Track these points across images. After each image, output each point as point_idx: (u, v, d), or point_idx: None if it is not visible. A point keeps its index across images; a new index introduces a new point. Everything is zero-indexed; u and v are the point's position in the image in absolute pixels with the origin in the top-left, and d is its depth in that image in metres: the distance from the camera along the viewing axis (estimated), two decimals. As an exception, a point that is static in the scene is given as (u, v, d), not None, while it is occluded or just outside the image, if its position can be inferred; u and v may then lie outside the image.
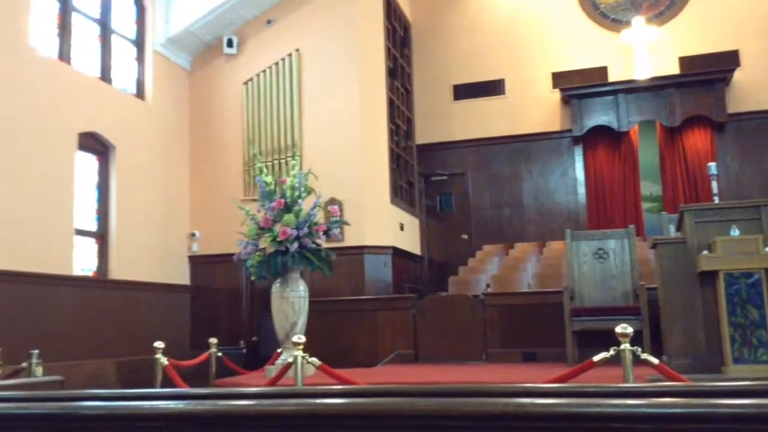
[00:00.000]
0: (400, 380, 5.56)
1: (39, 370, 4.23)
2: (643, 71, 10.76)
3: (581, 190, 11.07)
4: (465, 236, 11.22)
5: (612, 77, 11.04)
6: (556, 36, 11.37)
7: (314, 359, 4.44)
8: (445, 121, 11.57)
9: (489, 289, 8.12)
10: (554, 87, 11.23)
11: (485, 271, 9.11)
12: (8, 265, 6.75)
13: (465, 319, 7.55)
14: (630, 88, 10.82)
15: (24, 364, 4.28)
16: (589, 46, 11.21)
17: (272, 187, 6.30)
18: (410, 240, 10.52)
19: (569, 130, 11.08)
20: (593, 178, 11.05)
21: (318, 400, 1.65)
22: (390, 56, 10.27)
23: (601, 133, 10.98)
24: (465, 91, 11.56)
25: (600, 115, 10.94)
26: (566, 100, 11.10)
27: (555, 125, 11.23)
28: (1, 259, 6.67)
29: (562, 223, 10.52)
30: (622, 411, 1.46)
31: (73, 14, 8.26)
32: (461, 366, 6.98)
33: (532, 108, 11.32)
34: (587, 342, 6.39)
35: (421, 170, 11.37)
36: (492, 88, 11.47)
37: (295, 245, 5.97)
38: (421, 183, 11.43)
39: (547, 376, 4.48)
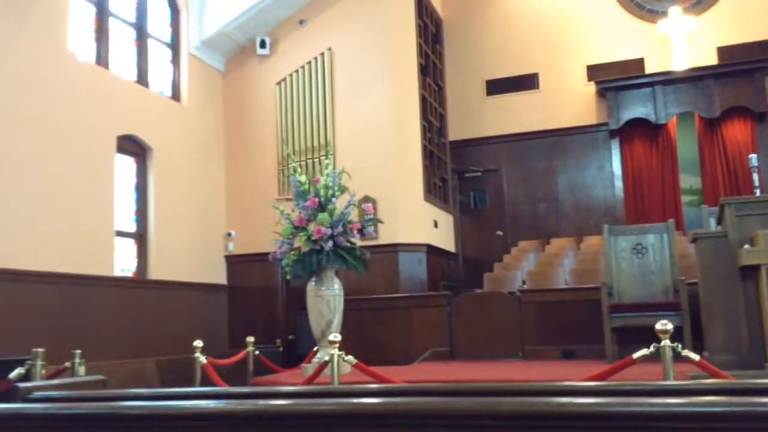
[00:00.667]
0: (436, 378, 5.55)
1: (82, 370, 4.33)
2: (680, 62, 10.55)
3: (618, 184, 10.90)
4: (500, 232, 11.14)
5: (649, 69, 10.84)
6: (590, 28, 11.21)
7: (350, 357, 4.46)
8: (478, 117, 11.50)
9: (525, 286, 8.06)
10: (589, 80, 11.07)
11: (521, 267, 9.04)
12: (52, 267, 6.92)
13: (501, 316, 7.50)
14: (667, 80, 10.61)
15: (67, 364, 4.37)
16: (625, 38, 11.03)
17: (306, 186, 6.34)
18: (444, 237, 10.49)
19: (605, 124, 10.92)
20: (630, 172, 10.87)
21: (355, 400, 1.66)
22: (422, 53, 10.25)
23: (638, 125, 10.79)
24: (498, 86, 11.47)
25: (637, 108, 10.76)
26: (602, 93, 10.94)
27: (590, 119, 11.07)
28: (45, 260, 6.84)
29: (599, 218, 10.37)
30: (662, 410, 1.44)
31: (110, 19, 8.42)
32: (498, 363, 6.93)
33: (567, 102, 11.18)
34: (626, 339, 6.29)
35: (454, 167, 11.32)
36: (525, 82, 11.36)
37: (330, 244, 5.99)
38: (455, 179, 11.38)
39: (585, 373, 4.43)
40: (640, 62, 10.92)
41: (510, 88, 11.41)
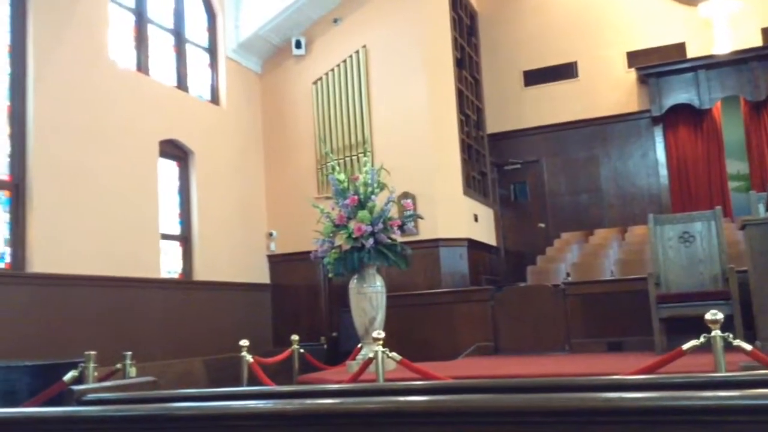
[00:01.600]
0: (481, 374, 5.53)
1: (133, 371, 4.43)
2: (723, 45, 10.27)
3: (663, 171, 10.67)
4: (542, 225, 11.03)
5: (691, 53, 10.58)
6: (629, 13, 10.99)
7: (394, 354, 4.47)
8: (517, 109, 11.38)
9: (569, 278, 7.96)
10: (629, 67, 10.86)
11: (564, 259, 8.93)
12: (101, 271, 7.10)
13: (546, 309, 7.43)
14: (710, 64, 10.34)
15: (118, 366, 4.49)
16: (665, 22, 10.78)
17: (345, 184, 6.37)
18: (485, 231, 10.42)
19: (647, 111, 10.70)
20: (675, 159, 10.64)
21: (402, 398, 1.67)
22: (457, 46, 10.19)
23: (682, 111, 10.55)
24: (536, 77, 11.34)
25: (680, 93, 10.51)
26: (643, 80, 10.72)
27: (632, 106, 10.87)
28: (94, 265, 7.02)
29: (644, 207, 10.17)
30: (714, 403, 1.41)
31: (149, 26, 8.57)
32: (543, 357, 6.87)
33: (607, 90, 10.99)
34: (675, 329, 6.16)
35: (493, 160, 11.23)
36: (564, 71, 11.20)
37: (371, 241, 6.01)
38: (494, 172, 11.30)
39: (634, 366, 4.36)
40: (681, 47, 10.66)
41: (548, 78, 11.26)
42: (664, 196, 10.60)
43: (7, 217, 6.51)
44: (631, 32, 10.94)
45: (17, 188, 6.58)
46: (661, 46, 10.74)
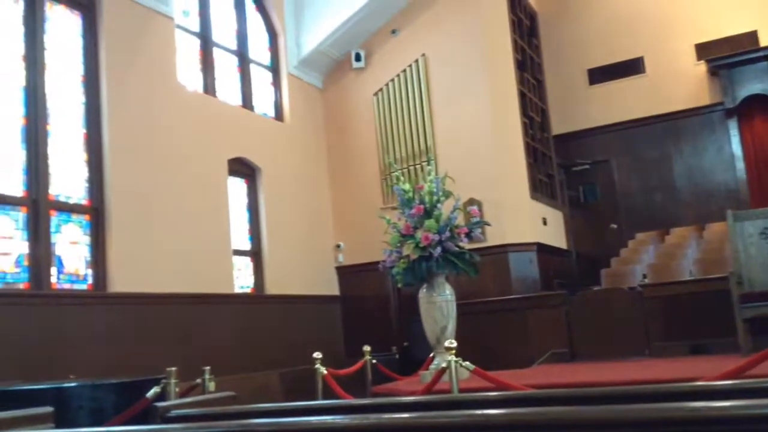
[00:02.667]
0: (557, 381, 5.40)
1: (212, 386, 4.53)
2: (800, 30, 9.79)
3: (740, 165, 10.23)
4: (614, 225, 10.73)
5: (763, 41, 10.12)
6: (696, 4, 10.62)
7: (468, 363, 4.41)
8: (582, 108, 11.14)
9: (646, 280, 7.71)
10: (699, 59, 10.48)
11: (640, 261, 8.66)
12: (177, 288, 7.31)
13: (623, 313, 7.21)
14: (786, 51, 9.88)
15: (198, 381, 4.59)
16: (735, 11, 10.36)
17: (410, 194, 6.36)
18: (555, 234, 10.22)
19: (720, 103, 10.29)
20: (753, 152, 10.18)
21: (479, 411, 1.64)
22: (518, 48, 10.07)
23: (757, 102, 10.10)
24: (601, 74, 11.08)
25: (754, 84, 10.07)
26: (714, 72, 10.32)
27: (703, 99, 10.47)
28: (171, 283, 7.25)
29: (722, 204, 9.76)
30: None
31: (214, 49, 8.83)
32: (623, 362, 6.66)
33: (677, 84, 10.63)
34: (761, 329, 5.89)
35: (560, 161, 11.02)
36: (630, 67, 10.90)
37: (439, 250, 5.98)
38: (562, 174, 11.08)
39: (718, 369, 4.16)
40: (753, 35, 10.22)
41: (614, 75, 10.98)
42: (742, 191, 10.16)
43: (87, 240, 6.80)
44: (700, 23, 10.56)
45: (96, 212, 6.87)
46: (731, 36, 10.32)
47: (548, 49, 11.37)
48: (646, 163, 10.72)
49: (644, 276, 7.95)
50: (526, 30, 10.73)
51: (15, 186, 6.22)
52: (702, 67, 10.46)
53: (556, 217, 10.48)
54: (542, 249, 9.37)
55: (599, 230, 10.88)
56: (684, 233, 9.58)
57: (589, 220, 11.08)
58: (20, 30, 6.49)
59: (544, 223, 9.83)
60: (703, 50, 10.46)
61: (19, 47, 6.45)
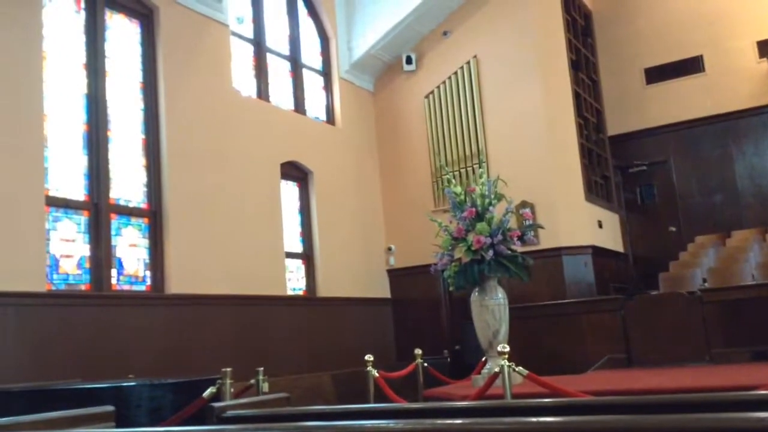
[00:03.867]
0: (614, 388, 5.27)
1: (265, 386, 4.59)
2: None
3: (805, 165, 9.82)
4: (672, 228, 10.43)
5: (830, 37, 9.71)
6: (758, 0, 10.24)
7: (521, 368, 4.35)
8: (639, 108, 10.87)
9: (706, 284, 7.46)
10: (761, 56, 10.09)
11: (700, 264, 8.39)
12: (232, 290, 7.44)
13: (682, 318, 6.99)
14: None
15: (252, 381, 4.66)
16: (801, 5, 9.96)
17: (462, 197, 6.30)
18: (611, 237, 10.00)
19: (784, 102, 9.89)
20: (820, 152, 9.75)
21: (534, 419, 1.61)
22: (572, 48, 9.90)
23: (824, 99, 9.68)
24: (658, 74, 10.78)
25: (821, 80, 9.65)
26: (778, 69, 9.94)
27: (766, 98, 10.09)
28: (225, 284, 7.38)
29: (787, 206, 9.38)
30: None
31: (267, 55, 8.96)
32: (682, 369, 6.46)
33: (737, 82, 10.27)
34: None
35: (616, 163, 10.78)
36: (689, 66, 10.58)
37: (491, 253, 5.91)
38: (618, 176, 10.83)
39: (786, 379, 3.99)
40: (819, 31, 9.80)
41: (672, 74, 10.67)
42: (809, 191, 9.74)
43: (146, 242, 6.98)
44: (761, 20, 10.17)
45: (154, 215, 7.05)
46: (795, 32, 9.92)
47: (604, 49, 11.14)
48: (705, 164, 10.39)
49: (704, 280, 7.69)
50: (580, 29, 10.54)
51: (77, 191, 6.43)
52: (764, 65, 10.08)
53: (612, 220, 10.25)
54: (598, 252, 9.18)
55: (657, 233, 10.58)
56: (746, 236, 9.24)
57: (646, 223, 10.79)
58: (82, 39, 6.72)
59: (600, 225, 9.63)
60: (765, 48, 10.08)
61: (81, 56, 6.68)
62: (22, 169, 5.78)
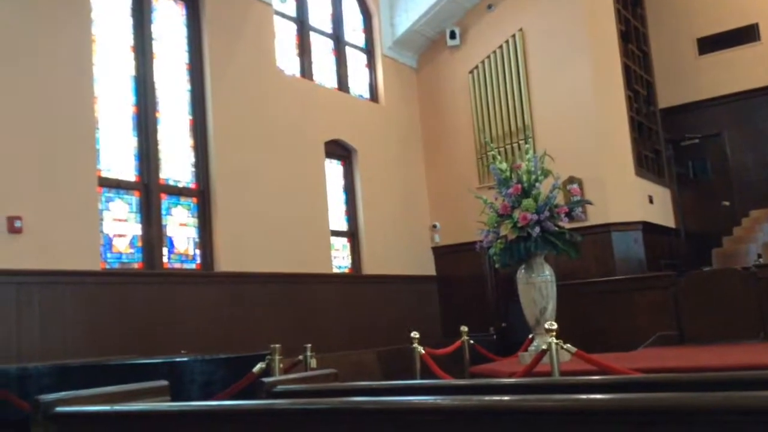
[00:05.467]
0: (665, 365, 5.19)
1: (313, 362, 4.66)
2: None
3: None
4: (726, 203, 10.12)
5: None
6: (819, -38, 9.77)
7: (569, 346, 4.31)
8: (691, 80, 10.52)
9: (761, 260, 7.25)
10: (822, 22, 9.65)
11: (755, 239, 8.15)
12: (279, 268, 7.55)
13: (735, 294, 6.82)
14: None
15: (300, 357, 4.73)
16: None
17: (508, 173, 6.23)
18: (662, 212, 9.77)
19: None
20: None
21: (584, 396, 1.59)
22: (621, 19, 9.62)
23: None
24: (711, 44, 10.40)
25: None
26: (840, 35, 9.48)
27: (826, 66, 9.65)
28: (273, 262, 7.49)
29: None
30: None
31: (310, 33, 8.96)
32: (735, 346, 6.31)
33: (796, 50, 9.84)
34: None
35: (667, 136, 10.49)
36: (743, 35, 10.16)
37: (537, 230, 5.84)
38: (669, 150, 10.54)
39: None
40: None
41: (726, 44, 10.28)
42: None
43: (195, 221, 7.12)
44: (824, -18, 9.71)
45: (203, 195, 7.17)
46: None
47: (654, 19, 10.79)
48: (761, 136, 10.02)
49: (759, 256, 7.47)
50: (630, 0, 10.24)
51: (128, 171, 6.58)
52: (826, 31, 9.63)
53: (663, 195, 10.01)
54: (648, 228, 8.99)
55: (710, 208, 10.29)
56: (804, 210, 8.92)
57: (699, 198, 10.50)
58: (129, 22, 6.82)
59: (650, 201, 9.41)
60: (827, 13, 9.63)
61: (129, 38, 6.79)
62: (75, 151, 5.94)
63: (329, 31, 9.37)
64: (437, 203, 10.21)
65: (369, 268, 9.01)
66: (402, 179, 9.87)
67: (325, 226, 8.46)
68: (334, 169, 8.98)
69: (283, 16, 8.58)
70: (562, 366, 4.40)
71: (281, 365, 4.09)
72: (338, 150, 9.01)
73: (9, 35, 5.62)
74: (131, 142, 6.66)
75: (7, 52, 5.59)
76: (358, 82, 9.73)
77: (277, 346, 4.10)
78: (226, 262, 7.08)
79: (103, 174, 6.30)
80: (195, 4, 7.40)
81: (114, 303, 5.98)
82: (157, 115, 6.90)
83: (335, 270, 8.62)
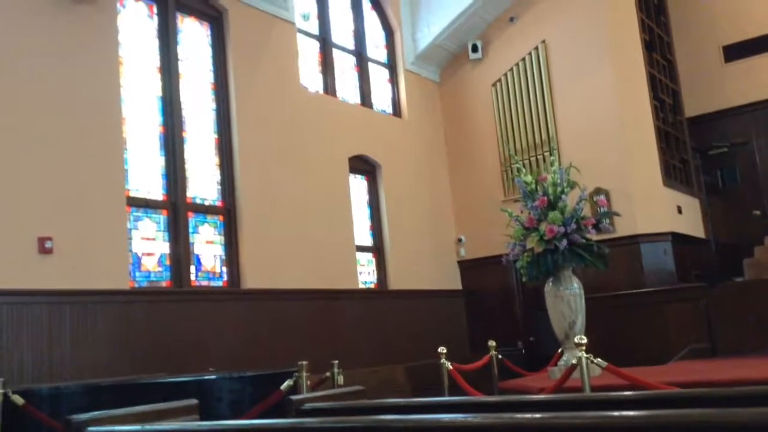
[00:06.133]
0: (697, 379, 5.08)
1: (341, 379, 4.64)
2: None
3: None
4: (757, 212, 9.94)
5: None
6: None
7: (600, 360, 4.24)
8: (718, 88, 10.38)
9: (795, 270, 7.09)
10: None
11: (788, 249, 7.98)
12: (304, 284, 7.57)
13: (769, 305, 6.67)
14: None
15: (327, 374, 4.72)
16: None
17: (533, 186, 6.18)
18: (691, 223, 9.63)
19: None
20: None
21: (617, 413, 1.56)
22: (645, 28, 9.55)
23: None
24: (738, 51, 10.26)
25: None
26: None
27: None
28: (298, 278, 7.51)
29: None
30: None
31: (333, 50, 9.03)
32: (770, 359, 6.16)
33: (826, 56, 9.67)
34: None
35: (694, 145, 10.35)
36: (770, 41, 10.03)
37: (564, 242, 5.78)
38: (697, 159, 10.40)
39: None
40: None
41: (753, 51, 10.13)
42: None
43: (221, 239, 7.17)
44: None
45: (228, 213, 7.23)
46: None
47: (678, 28, 10.69)
48: (792, 144, 9.84)
49: (794, 266, 7.31)
50: (653, 8, 10.15)
51: (156, 190, 6.66)
52: None
53: (692, 205, 9.86)
54: (677, 239, 8.85)
55: (740, 217, 10.11)
56: (840, 218, 8.72)
57: (728, 207, 10.32)
58: (155, 43, 6.94)
59: (679, 211, 9.28)
60: None
61: (155, 59, 6.90)
62: (104, 171, 6.04)
63: (351, 47, 9.44)
64: (462, 217, 10.18)
65: (395, 282, 8.99)
66: (426, 193, 9.86)
67: (351, 242, 8.47)
68: (358, 185, 9.00)
69: (306, 34, 8.66)
70: (592, 381, 4.33)
71: (308, 382, 4.08)
72: (362, 165, 9.04)
73: (40, 59, 5.75)
74: (158, 162, 6.74)
75: (37, 75, 5.71)
76: (381, 98, 9.77)
77: (304, 363, 4.09)
78: (252, 278, 7.12)
79: (132, 193, 6.38)
80: (219, 24, 7.51)
81: (143, 321, 6.03)
82: (184, 134, 6.99)
83: (361, 285, 8.61)
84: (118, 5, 6.54)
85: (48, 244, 5.51)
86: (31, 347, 5.27)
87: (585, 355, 4.24)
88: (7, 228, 5.31)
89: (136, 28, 6.78)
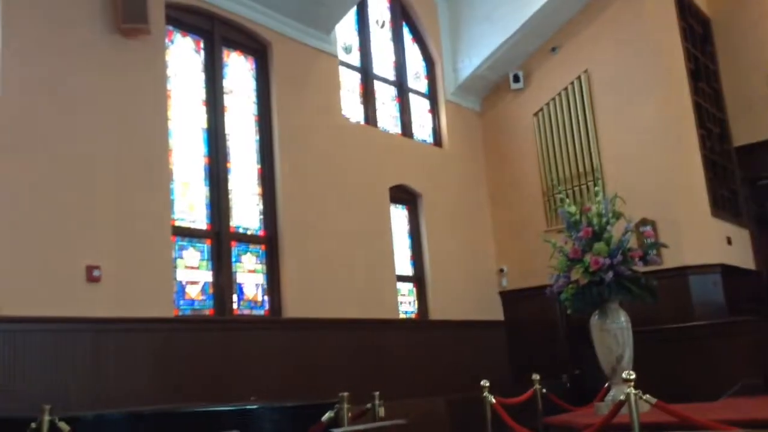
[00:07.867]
0: (751, 416, 4.88)
1: (381, 411, 4.59)
2: None
3: None
4: (811, 243, 9.62)
5: None
6: None
7: (648, 396, 4.11)
8: (766, 116, 10.14)
9: None
10: None
11: None
12: (346, 314, 7.56)
13: (827, 341, 6.40)
14: None
15: (368, 406, 4.67)
16: None
17: (577, 216, 6.10)
18: (741, 254, 9.36)
19: None
20: None
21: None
22: (690, 57, 9.43)
23: None
24: (787, 78, 10.04)
25: None
26: None
27: None
28: (340, 308, 7.51)
29: None
30: None
31: (374, 81, 9.13)
32: (830, 398, 5.89)
33: None
34: None
35: (743, 175, 10.10)
36: (822, 66, 9.79)
37: (610, 274, 5.66)
38: (746, 189, 10.14)
39: None
40: None
41: (802, 78, 9.91)
42: None
43: (263, 268, 7.22)
44: None
45: (270, 242, 7.29)
46: None
47: (725, 56, 10.51)
48: None
49: None
50: (698, 37, 10.03)
51: (200, 220, 6.77)
52: None
53: (741, 236, 9.59)
54: (727, 271, 8.60)
55: (793, 248, 9.79)
56: None
57: (779, 238, 10.01)
58: (202, 77, 7.11)
59: (729, 242, 9.03)
60: None
61: (201, 93, 7.06)
62: (151, 201, 6.16)
63: (392, 78, 9.52)
64: (504, 247, 10.08)
65: (435, 313, 8.91)
66: (467, 223, 9.80)
67: (391, 271, 8.45)
68: (399, 214, 9.01)
69: (348, 66, 8.78)
70: (641, 417, 4.20)
71: (349, 414, 4.04)
72: (403, 195, 9.05)
73: (93, 94, 5.93)
74: (203, 192, 6.86)
75: (89, 109, 5.88)
76: (422, 128, 9.81)
77: (346, 394, 4.06)
78: (293, 308, 7.14)
79: (177, 223, 6.49)
80: (264, 58, 7.66)
81: (186, 349, 6.08)
82: (228, 165, 7.10)
83: (402, 315, 8.56)
84: (167, 40, 6.73)
85: (96, 273, 5.62)
86: (76, 374, 5.35)
87: (633, 390, 4.12)
88: (57, 256, 5.44)
89: (183, 63, 6.96)
